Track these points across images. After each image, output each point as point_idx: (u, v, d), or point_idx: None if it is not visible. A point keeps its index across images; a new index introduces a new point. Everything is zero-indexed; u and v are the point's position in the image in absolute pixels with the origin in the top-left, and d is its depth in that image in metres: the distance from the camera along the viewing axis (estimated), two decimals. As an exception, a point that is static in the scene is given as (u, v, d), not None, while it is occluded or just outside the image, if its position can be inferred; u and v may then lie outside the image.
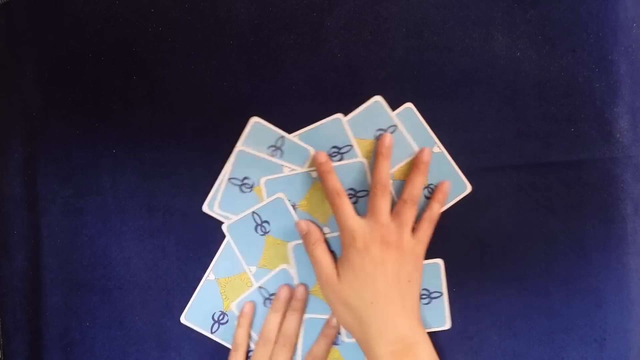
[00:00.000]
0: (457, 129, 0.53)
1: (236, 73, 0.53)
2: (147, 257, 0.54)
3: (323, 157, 0.51)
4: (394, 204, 0.51)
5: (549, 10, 0.52)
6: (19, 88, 0.55)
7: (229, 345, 0.54)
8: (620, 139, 0.52)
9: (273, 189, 0.53)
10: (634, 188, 0.52)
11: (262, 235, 0.54)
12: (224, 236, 0.54)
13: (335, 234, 0.53)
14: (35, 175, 0.55)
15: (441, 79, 0.52)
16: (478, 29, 0.52)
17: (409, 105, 0.53)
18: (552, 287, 0.52)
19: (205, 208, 0.54)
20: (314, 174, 0.53)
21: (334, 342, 0.53)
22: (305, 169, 0.53)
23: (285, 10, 0.53)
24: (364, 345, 0.47)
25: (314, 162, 0.52)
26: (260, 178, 0.53)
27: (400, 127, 0.53)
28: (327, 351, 0.53)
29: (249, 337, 0.54)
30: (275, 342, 0.52)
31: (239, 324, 0.54)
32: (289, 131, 0.53)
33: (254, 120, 0.53)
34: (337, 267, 0.50)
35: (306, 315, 0.53)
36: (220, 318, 0.54)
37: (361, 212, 0.52)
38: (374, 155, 0.52)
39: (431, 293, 0.53)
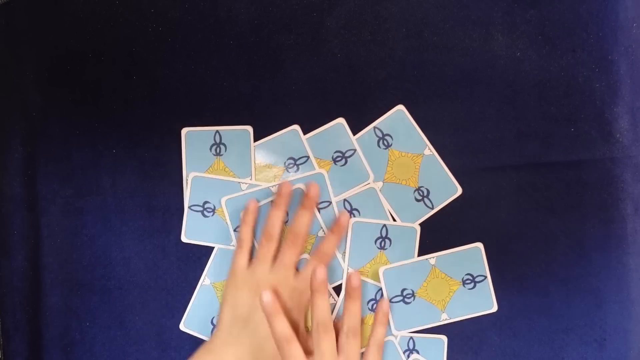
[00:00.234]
0: (457, 129, 0.53)
1: (236, 73, 0.53)
2: (147, 257, 0.54)
3: (269, 298, 0.48)
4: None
5: (549, 10, 0.52)
6: (19, 88, 0.55)
7: (229, 345, 0.54)
8: (620, 139, 0.52)
9: (235, 207, 0.53)
10: (634, 188, 0.52)
11: None
12: (224, 236, 0.54)
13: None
14: (35, 175, 0.55)
15: (441, 79, 0.52)
16: (478, 29, 0.52)
17: (400, 107, 0.53)
18: (552, 287, 0.52)
19: (183, 239, 0.54)
20: (274, 189, 0.53)
21: (382, 247, 0.53)
22: (264, 185, 0.53)
23: (285, 10, 0.53)
24: None
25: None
26: (220, 199, 0.53)
27: (359, 152, 0.53)
28: (335, 248, 0.52)
29: (254, 234, 0.53)
30: (284, 240, 0.51)
31: (243, 221, 0.52)
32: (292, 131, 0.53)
33: (186, 130, 0.53)
34: None
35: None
36: (220, 319, 0.54)
37: (326, 221, 0.52)
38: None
39: (475, 277, 0.52)
